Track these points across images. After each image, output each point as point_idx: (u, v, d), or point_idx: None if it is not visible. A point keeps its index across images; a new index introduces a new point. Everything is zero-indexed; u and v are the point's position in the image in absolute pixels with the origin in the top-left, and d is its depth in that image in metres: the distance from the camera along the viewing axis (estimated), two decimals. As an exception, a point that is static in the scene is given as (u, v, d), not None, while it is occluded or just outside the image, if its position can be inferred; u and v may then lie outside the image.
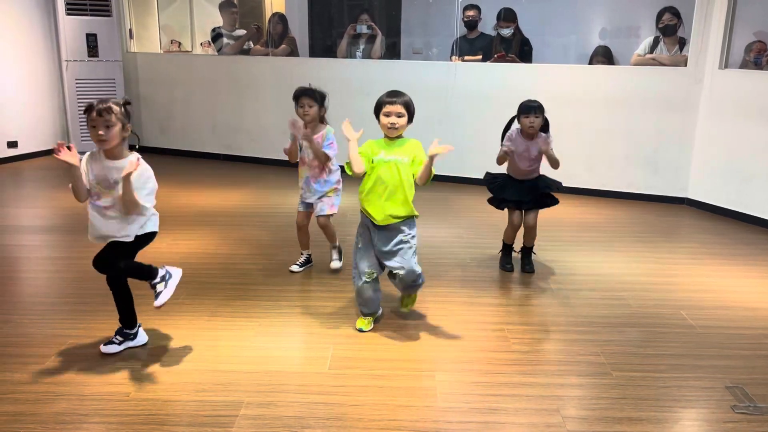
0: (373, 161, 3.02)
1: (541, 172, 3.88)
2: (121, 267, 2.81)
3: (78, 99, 7.11)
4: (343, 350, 2.93)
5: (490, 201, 4.01)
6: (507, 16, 6.15)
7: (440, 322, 3.24)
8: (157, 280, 2.87)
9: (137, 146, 2.84)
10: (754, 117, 5.04)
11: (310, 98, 3.64)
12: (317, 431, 2.33)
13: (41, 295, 3.58)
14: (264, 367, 2.77)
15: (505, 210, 3.96)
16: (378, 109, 3.04)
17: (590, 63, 6.17)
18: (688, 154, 5.56)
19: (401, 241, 3.02)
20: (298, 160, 3.78)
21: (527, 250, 4.01)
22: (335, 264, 3.92)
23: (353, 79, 6.45)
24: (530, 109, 3.75)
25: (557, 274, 3.95)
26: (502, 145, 3.85)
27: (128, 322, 2.91)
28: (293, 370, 2.75)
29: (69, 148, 2.61)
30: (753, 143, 5.07)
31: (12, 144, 6.93)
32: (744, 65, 5.33)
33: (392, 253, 3.03)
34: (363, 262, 3.08)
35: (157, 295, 2.84)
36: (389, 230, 3.03)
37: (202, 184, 6.14)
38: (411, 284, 3.13)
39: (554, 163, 3.73)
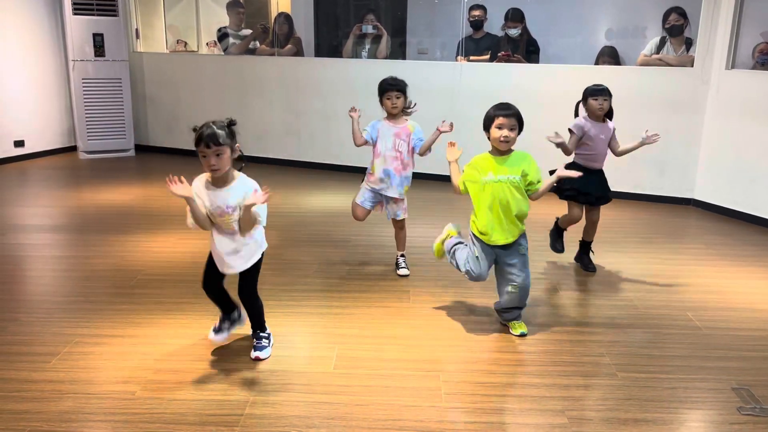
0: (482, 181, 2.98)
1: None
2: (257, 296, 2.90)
3: (84, 98, 7.13)
4: (348, 350, 2.93)
5: (566, 195, 3.83)
6: (515, 16, 6.14)
7: (445, 322, 3.24)
8: (266, 333, 2.93)
9: (243, 164, 2.76)
10: (761, 118, 5.02)
11: (398, 90, 3.64)
12: (322, 431, 2.33)
13: (48, 293, 3.59)
14: (269, 366, 2.77)
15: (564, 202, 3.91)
16: (489, 122, 2.98)
17: (596, 63, 6.15)
18: (695, 154, 5.54)
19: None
20: (362, 143, 3.74)
21: (588, 247, 3.99)
22: (404, 271, 3.86)
23: (359, 79, 6.45)
24: (599, 90, 3.73)
25: (563, 275, 3.95)
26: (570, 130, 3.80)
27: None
28: (298, 370, 2.75)
29: (180, 180, 2.57)
30: (760, 144, 5.04)
31: (19, 143, 6.96)
32: (754, 66, 5.31)
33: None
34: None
35: (261, 348, 2.86)
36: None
37: (208, 183, 6.14)
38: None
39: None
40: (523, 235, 3.04)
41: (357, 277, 3.82)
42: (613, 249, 4.45)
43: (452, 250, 3.25)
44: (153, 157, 7.40)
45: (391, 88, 3.66)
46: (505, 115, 2.92)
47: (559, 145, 3.70)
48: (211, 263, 2.82)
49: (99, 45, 7.10)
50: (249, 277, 2.83)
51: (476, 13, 6.35)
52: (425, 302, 3.47)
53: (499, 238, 2.98)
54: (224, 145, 2.55)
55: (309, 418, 2.41)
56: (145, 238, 4.47)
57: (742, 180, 5.19)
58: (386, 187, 3.74)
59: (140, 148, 7.58)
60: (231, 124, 2.63)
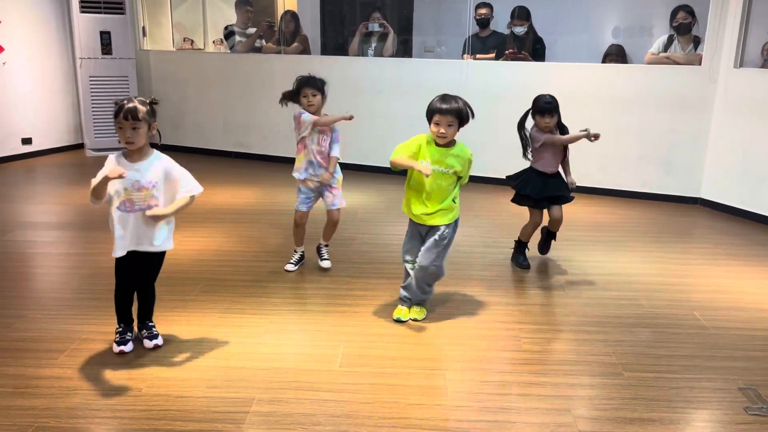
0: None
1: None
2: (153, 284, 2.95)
3: (92, 96, 7.16)
4: (353, 348, 2.93)
5: (516, 199, 3.97)
6: (521, 14, 6.12)
7: (451, 320, 3.24)
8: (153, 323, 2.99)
9: (159, 143, 2.84)
10: (769, 116, 4.99)
11: (314, 87, 3.64)
12: (328, 428, 2.34)
13: (55, 291, 3.61)
14: (275, 364, 2.78)
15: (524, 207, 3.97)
16: (429, 115, 3.04)
17: (603, 62, 6.13)
18: (702, 153, 5.52)
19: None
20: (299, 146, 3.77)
21: (552, 235, 4.03)
22: (326, 264, 3.89)
23: (365, 77, 6.45)
24: (546, 108, 3.75)
25: (569, 274, 3.94)
26: (526, 136, 3.86)
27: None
28: (304, 368, 2.75)
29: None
30: (768, 143, 5.02)
31: (26, 140, 6.99)
32: (763, 64, 5.28)
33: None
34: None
35: (154, 336, 2.92)
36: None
37: (214, 181, 6.15)
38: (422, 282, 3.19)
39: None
40: (448, 224, 3.10)
41: (362, 275, 3.83)
42: (620, 248, 4.44)
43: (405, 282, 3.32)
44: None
45: (309, 83, 3.65)
46: (442, 112, 2.98)
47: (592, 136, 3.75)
48: (121, 268, 2.81)
49: (106, 43, 7.12)
50: (156, 265, 2.89)
51: (483, 11, 6.34)
52: (430, 301, 3.46)
53: (418, 211, 3.10)
54: (142, 121, 2.63)
55: (314, 415, 2.41)
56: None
57: (750, 179, 5.17)
58: (312, 172, 3.73)
59: (155, 147, 7.59)
60: (153, 102, 2.72)
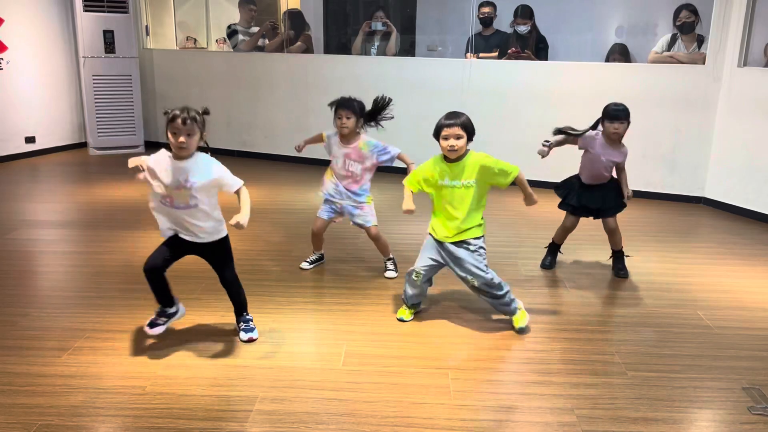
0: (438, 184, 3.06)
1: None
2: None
3: (95, 95, 7.16)
4: (356, 347, 2.93)
5: (561, 205, 3.92)
6: (524, 13, 6.11)
7: (454, 319, 3.24)
8: (250, 316, 3.05)
9: (207, 150, 2.87)
10: (773, 116, 4.98)
11: (349, 110, 3.55)
12: (331, 427, 2.34)
13: (58, 289, 3.62)
14: (278, 362, 2.78)
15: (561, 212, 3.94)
16: (437, 133, 3.03)
17: (606, 61, 6.12)
18: (706, 153, 5.51)
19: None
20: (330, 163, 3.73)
21: (619, 254, 3.94)
22: (391, 273, 3.80)
23: (368, 76, 6.45)
24: (616, 115, 3.63)
25: (573, 273, 3.93)
26: (569, 133, 3.73)
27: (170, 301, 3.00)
28: (307, 366, 2.76)
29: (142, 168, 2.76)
30: (772, 142, 5.00)
31: (30, 139, 7.01)
32: (767, 64, 5.26)
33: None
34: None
35: (252, 329, 2.99)
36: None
37: (217, 180, 6.16)
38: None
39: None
40: (475, 237, 3.07)
41: (366, 274, 3.83)
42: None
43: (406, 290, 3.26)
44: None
45: (342, 107, 3.56)
46: (449, 126, 2.98)
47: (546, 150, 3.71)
48: (161, 246, 2.86)
49: (109, 42, 7.13)
50: (223, 259, 2.94)
51: (486, 10, 6.33)
52: (433, 300, 3.46)
53: (448, 232, 3.07)
54: (196, 125, 2.69)
55: (318, 414, 2.41)
56: (154, 234, 4.43)
57: (754, 178, 5.16)
58: (337, 197, 3.69)
59: (150, 145, 7.61)
60: (205, 113, 2.77)
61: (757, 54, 5.30)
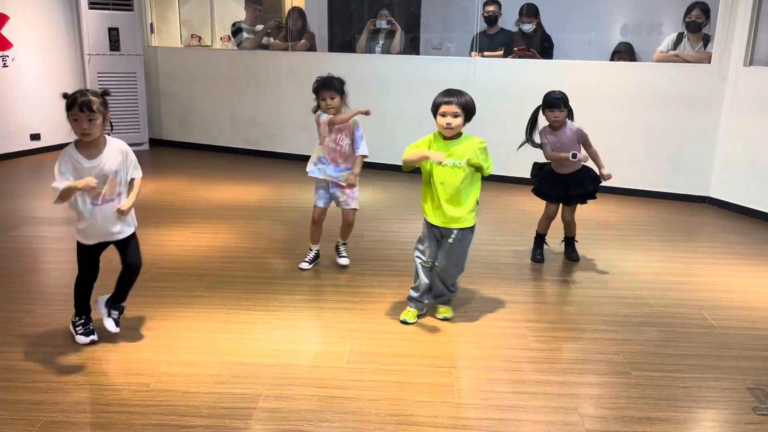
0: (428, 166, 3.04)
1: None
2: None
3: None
4: (360, 345, 2.93)
5: (535, 192, 4.05)
6: (529, 11, 6.10)
7: (458, 318, 3.23)
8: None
9: (109, 133, 2.85)
10: (779, 115, 4.96)
11: (331, 89, 3.60)
12: (334, 425, 2.34)
13: (62, 285, 3.61)
14: (282, 360, 2.78)
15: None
16: (435, 109, 3.03)
17: (612, 59, 6.11)
18: (711, 152, 5.49)
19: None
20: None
21: (570, 240, 4.08)
22: (345, 261, 3.90)
23: (372, 74, 6.44)
24: (554, 103, 3.77)
25: (577, 272, 3.93)
26: (528, 140, 3.90)
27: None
28: (311, 364, 2.76)
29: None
30: (778, 142, 4.98)
31: (35, 137, 7.02)
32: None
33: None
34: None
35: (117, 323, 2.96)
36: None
37: (221, 178, 6.17)
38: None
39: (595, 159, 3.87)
40: (465, 228, 3.05)
41: (369, 272, 3.82)
42: (627, 246, 4.42)
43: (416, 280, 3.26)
44: (166, 151, 7.43)
45: (324, 88, 3.59)
46: (447, 103, 2.97)
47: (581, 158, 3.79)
48: (88, 257, 2.84)
49: (114, 39, 7.14)
50: (134, 244, 2.90)
51: (490, 8, 6.32)
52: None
53: (436, 218, 3.05)
54: (97, 112, 2.65)
55: (321, 412, 2.41)
56: (158, 231, 4.49)
57: (759, 178, 5.14)
58: (323, 170, 3.71)
59: (154, 142, 7.63)
60: (105, 94, 2.74)
61: (763, 53, 5.28)
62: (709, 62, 5.40)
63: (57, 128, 7.24)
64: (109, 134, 2.82)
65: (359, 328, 3.10)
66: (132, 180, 2.83)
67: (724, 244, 4.59)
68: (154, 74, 7.63)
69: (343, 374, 2.68)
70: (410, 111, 6.30)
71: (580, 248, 4.13)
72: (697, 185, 5.59)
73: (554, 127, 3.82)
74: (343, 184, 3.71)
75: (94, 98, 2.65)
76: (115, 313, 2.95)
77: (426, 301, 3.22)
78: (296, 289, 3.57)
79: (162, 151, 7.43)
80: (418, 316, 3.21)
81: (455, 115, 2.97)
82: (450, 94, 3.00)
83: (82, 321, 2.92)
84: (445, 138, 3.04)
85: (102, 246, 2.85)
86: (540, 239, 4.09)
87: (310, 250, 3.92)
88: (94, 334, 2.89)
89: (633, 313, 3.35)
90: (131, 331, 3.01)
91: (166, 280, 3.61)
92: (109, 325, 2.91)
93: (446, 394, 2.55)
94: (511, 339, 3.04)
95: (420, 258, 3.17)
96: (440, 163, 2.94)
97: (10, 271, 3.77)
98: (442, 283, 3.15)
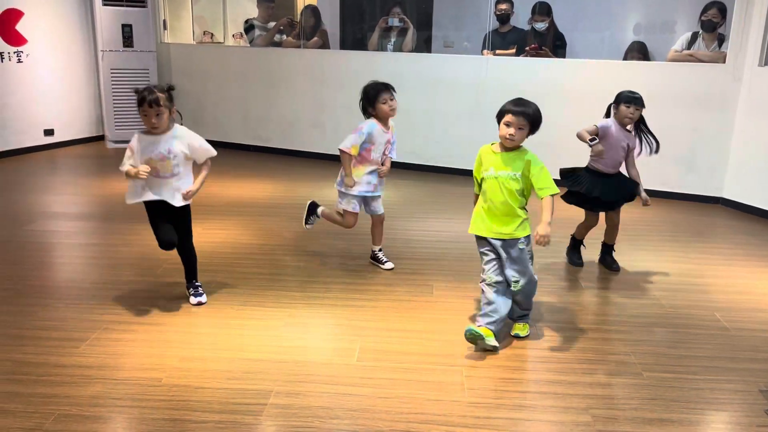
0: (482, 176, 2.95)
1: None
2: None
3: (113, 88, 7.22)
4: (371, 342, 2.94)
5: (568, 198, 3.85)
6: (542, 10, 6.08)
7: (469, 317, 3.23)
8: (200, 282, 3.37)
9: (181, 123, 3.16)
10: (794, 116, 4.91)
11: (394, 92, 3.57)
12: (345, 422, 2.35)
13: (76, 280, 3.65)
14: (293, 357, 2.79)
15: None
16: (500, 116, 2.90)
17: (625, 59, 6.07)
18: (725, 153, 5.45)
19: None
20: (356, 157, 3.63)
21: (610, 248, 3.97)
22: (390, 264, 3.83)
23: (384, 72, 6.41)
24: (634, 99, 3.68)
25: (588, 273, 3.91)
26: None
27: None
28: (322, 361, 2.77)
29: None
30: (792, 143, 4.94)
31: (49, 132, 7.08)
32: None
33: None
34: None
35: (201, 293, 3.31)
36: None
37: (233, 174, 6.19)
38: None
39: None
40: (522, 234, 2.92)
41: (380, 270, 3.83)
42: (640, 247, 4.40)
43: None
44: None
45: (388, 88, 3.54)
46: (515, 113, 2.84)
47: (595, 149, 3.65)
48: (157, 224, 3.13)
49: (127, 36, 7.18)
50: (187, 224, 3.21)
51: (503, 6, 6.30)
52: (448, 297, 3.46)
53: (481, 229, 2.95)
54: (163, 107, 2.96)
55: (332, 409, 2.42)
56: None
57: (773, 179, 5.09)
58: (374, 189, 3.69)
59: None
60: (170, 89, 3.05)
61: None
62: (724, 62, 5.36)
63: (70, 124, 7.31)
64: (180, 123, 3.16)
65: (370, 326, 3.11)
66: (204, 163, 3.17)
67: (737, 245, 4.56)
68: (167, 71, 7.67)
69: (354, 372, 2.69)
70: (422, 109, 6.30)
71: (591, 248, 4.11)
72: (711, 186, 5.55)
73: (623, 124, 3.73)
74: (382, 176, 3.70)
75: (161, 95, 2.94)
76: (191, 291, 3.31)
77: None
78: (308, 286, 3.58)
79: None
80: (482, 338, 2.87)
81: (519, 128, 2.85)
82: (521, 104, 2.87)
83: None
84: (502, 148, 2.91)
85: (165, 209, 3.11)
86: (578, 244, 4.00)
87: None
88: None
89: (645, 314, 3.34)
90: (143, 327, 3.04)
91: (178, 275, 3.62)
92: (191, 300, 3.29)
93: (457, 393, 2.55)
94: (522, 339, 3.03)
95: (493, 285, 2.93)
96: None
97: (25, 265, 3.80)
98: (526, 300, 3.01)
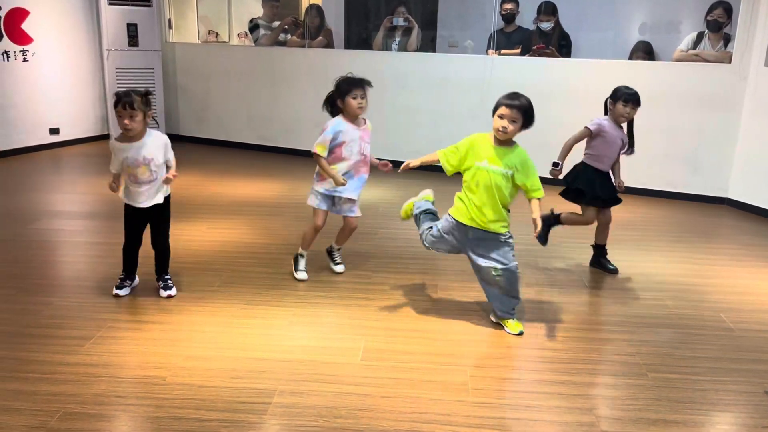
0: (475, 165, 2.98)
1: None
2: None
3: (118, 87, 7.20)
4: (375, 342, 2.94)
5: (567, 195, 3.84)
6: (547, 9, 6.07)
7: (473, 317, 3.23)
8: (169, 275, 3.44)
9: (155, 125, 3.26)
10: (800, 116, 4.89)
11: (365, 89, 3.43)
12: (349, 421, 2.35)
13: (81, 278, 3.66)
14: (297, 356, 2.79)
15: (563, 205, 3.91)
16: (495, 108, 2.96)
17: (630, 59, 6.06)
18: (730, 153, 5.43)
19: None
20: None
21: (602, 249, 3.94)
22: (341, 268, 3.75)
23: (389, 71, 6.44)
24: (632, 98, 3.65)
25: (593, 273, 3.91)
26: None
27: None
28: (326, 360, 2.77)
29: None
30: (799, 143, 4.92)
31: (54, 131, 7.09)
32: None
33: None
34: None
35: (171, 287, 3.37)
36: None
37: (237, 173, 6.20)
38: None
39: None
40: (504, 227, 3.04)
41: (384, 269, 3.83)
42: (645, 248, 4.39)
43: (420, 214, 3.30)
44: (183, 147, 7.46)
45: (358, 86, 3.37)
46: (509, 106, 2.90)
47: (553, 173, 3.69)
48: (131, 223, 3.26)
49: (133, 35, 7.19)
50: (166, 219, 3.32)
51: (508, 6, 6.29)
52: (453, 297, 3.46)
53: (466, 218, 3.01)
54: (137, 110, 3.02)
55: (336, 408, 2.42)
56: (175, 226, 4.46)
57: (778, 180, 5.08)
58: (343, 190, 3.49)
59: (171, 138, 7.56)
60: (147, 94, 3.10)
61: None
62: (730, 62, 5.35)
63: (76, 122, 7.32)
64: (155, 128, 3.26)
65: (374, 325, 3.11)
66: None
67: (742, 245, 4.54)
68: (172, 70, 7.68)
69: (358, 371, 2.69)
70: (426, 108, 6.30)
71: (582, 251, 4.10)
72: (716, 186, 5.53)
73: (618, 122, 3.72)
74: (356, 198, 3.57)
75: (136, 97, 3.01)
76: (161, 284, 3.38)
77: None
78: (311, 285, 3.58)
79: (179, 147, 7.38)
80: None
81: (513, 120, 2.89)
82: (514, 97, 2.93)
83: (121, 277, 3.39)
84: (496, 142, 2.97)
85: (147, 214, 3.23)
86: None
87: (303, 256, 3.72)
88: (121, 289, 3.34)
89: (650, 315, 3.33)
90: (148, 325, 3.04)
91: (183, 274, 3.63)
92: (161, 293, 3.36)
93: (461, 393, 2.55)
94: (526, 339, 3.03)
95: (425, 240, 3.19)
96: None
97: (30, 263, 3.81)
98: (510, 290, 3.04)
